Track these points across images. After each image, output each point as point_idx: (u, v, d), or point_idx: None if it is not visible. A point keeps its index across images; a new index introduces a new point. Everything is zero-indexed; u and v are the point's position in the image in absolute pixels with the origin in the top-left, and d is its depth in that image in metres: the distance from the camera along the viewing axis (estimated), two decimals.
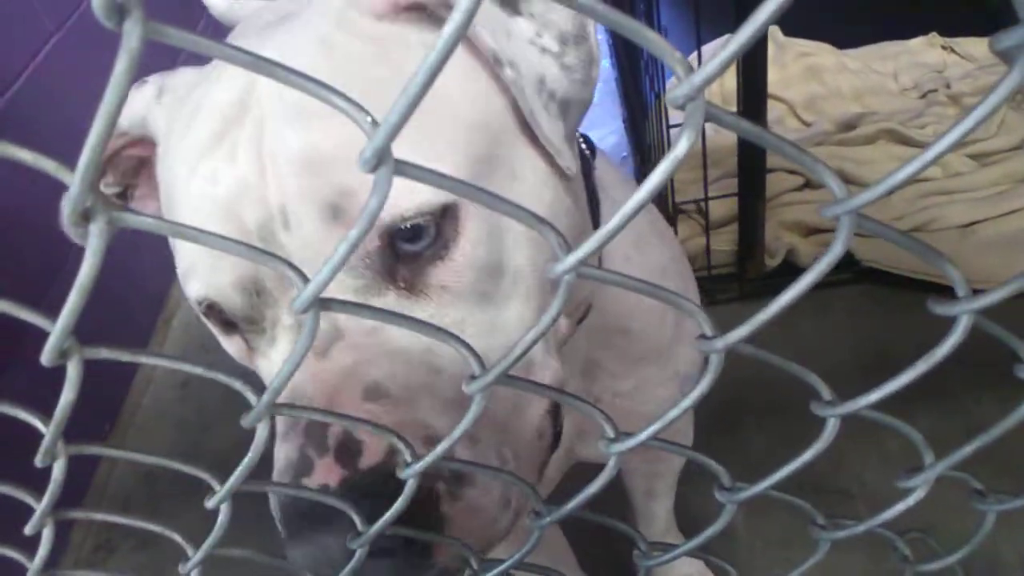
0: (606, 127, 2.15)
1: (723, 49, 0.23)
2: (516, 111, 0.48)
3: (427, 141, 0.44)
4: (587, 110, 0.49)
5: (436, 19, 0.48)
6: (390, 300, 0.46)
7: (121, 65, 0.20)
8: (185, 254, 0.50)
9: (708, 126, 1.49)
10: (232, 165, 0.46)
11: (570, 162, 0.49)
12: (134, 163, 0.60)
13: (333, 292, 0.45)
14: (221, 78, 0.48)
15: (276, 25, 0.49)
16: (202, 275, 0.48)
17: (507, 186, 0.48)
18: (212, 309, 0.50)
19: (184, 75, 0.54)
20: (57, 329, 0.21)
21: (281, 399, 0.37)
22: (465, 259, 0.46)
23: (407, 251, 0.46)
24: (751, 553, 1.22)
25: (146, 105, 0.54)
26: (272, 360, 0.50)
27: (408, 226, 0.45)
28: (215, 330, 0.54)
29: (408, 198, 0.44)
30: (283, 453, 0.44)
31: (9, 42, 1.51)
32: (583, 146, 0.64)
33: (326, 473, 0.42)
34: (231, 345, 0.54)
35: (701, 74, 0.23)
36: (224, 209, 0.46)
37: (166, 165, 0.51)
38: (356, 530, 0.39)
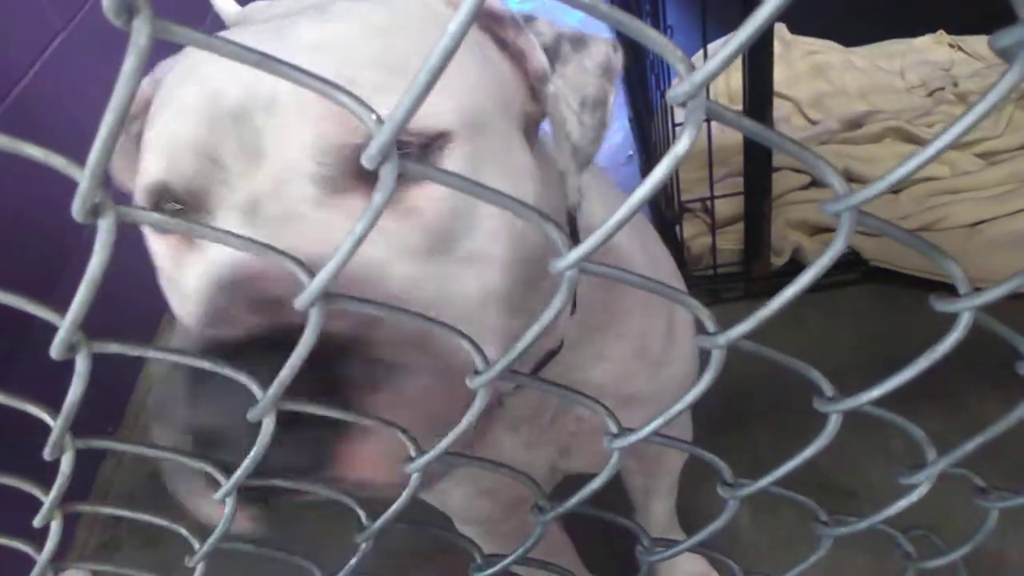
0: (612, 125, 2.15)
1: (724, 47, 0.23)
2: (521, 119, 0.52)
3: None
4: (591, 162, 0.54)
5: None
6: (350, 205, 0.43)
7: (130, 62, 0.21)
8: (152, 135, 0.47)
9: (714, 125, 1.49)
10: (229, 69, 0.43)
11: (568, 167, 0.52)
12: None
13: (286, 179, 0.43)
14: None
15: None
16: (160, 144, 0.46)
17: (502, 157, 0.49)
18: (158, 197, 0.46)
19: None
20: (66, 323, 0.22)
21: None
22: (438, 193, 0.43)
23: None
24: (756, 551, 1.22)
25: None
26: (210, 257, 0.44)
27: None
28: (150, 237, 0.50)
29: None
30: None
31: (15, 39, 1.51)
32: None
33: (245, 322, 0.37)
34: (162, 245, 0.50)
35: (702, 72, 0.23)
36: (203, 84, 0.44)
37: (156, 101, 0.49)
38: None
